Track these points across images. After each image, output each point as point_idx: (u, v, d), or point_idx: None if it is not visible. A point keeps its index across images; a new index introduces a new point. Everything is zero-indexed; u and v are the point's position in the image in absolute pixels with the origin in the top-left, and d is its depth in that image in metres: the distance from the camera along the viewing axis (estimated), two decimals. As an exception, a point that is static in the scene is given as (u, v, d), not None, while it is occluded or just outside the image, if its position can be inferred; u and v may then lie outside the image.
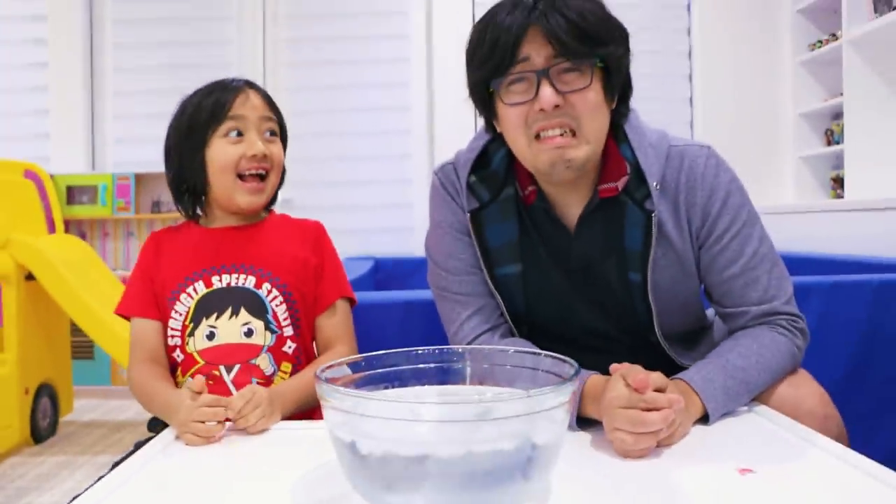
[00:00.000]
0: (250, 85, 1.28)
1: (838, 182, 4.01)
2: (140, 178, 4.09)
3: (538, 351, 0.81)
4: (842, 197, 3.90)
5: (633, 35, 1.13)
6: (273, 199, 1.34)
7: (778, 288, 1.14)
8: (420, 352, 0.85)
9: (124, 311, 1.28)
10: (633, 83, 1.16)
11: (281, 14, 4.19)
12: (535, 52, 1.04)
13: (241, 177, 1.24)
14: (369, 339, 1.58)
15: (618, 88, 1.11)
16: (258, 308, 1.23)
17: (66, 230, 3.96)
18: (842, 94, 3.77)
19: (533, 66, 1.04)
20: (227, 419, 1.02)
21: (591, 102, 1.06)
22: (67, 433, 3.07)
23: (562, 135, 1.05)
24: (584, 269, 1.18)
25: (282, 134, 1.31)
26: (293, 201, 4.08)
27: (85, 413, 3.40)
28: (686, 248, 1.14)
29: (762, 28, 4.19)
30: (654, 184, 1.10)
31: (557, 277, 1.19)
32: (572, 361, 0.74)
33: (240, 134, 1.24)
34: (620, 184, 1.13)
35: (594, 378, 1.03)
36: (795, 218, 3.64)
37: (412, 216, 4.11)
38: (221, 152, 1.24)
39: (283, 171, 1.31)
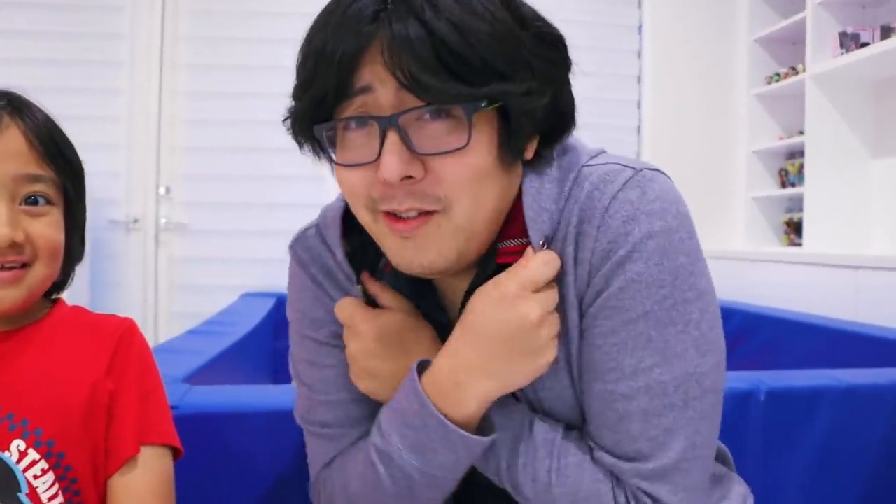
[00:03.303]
0: (14, 110, 0.76)
1: (791, 226, 3.74)
2: None
3: None
4: (795, 242, 3.64)
5: (578, 54, 0.71)
6: (60, 285, 0.85)
7: (654, 446, 0.67)
8: None
9: None
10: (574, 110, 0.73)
11: (182, 9, 3.63)
12: (380, 80, 0.63)
13: None
14: (227, 463, 1.11)
15: (527, 135, 0.69)
16: (4, 483, 0.73)
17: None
18: (799, 133, 3.51)
19: (377, 102, 0.64)
20: None
21: (467, 171, 0.64)
22: None
23: (417, 216, 0.66)
24: None
25: (71, 186, 0.80)
26: (188, 226, 3.54)
27: None
28: (569, 330, 0.71)
29: (717, 56, 3.91)
30: (541, 241, 0.69)
31: None
32: None
33: None
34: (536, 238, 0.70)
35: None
36: (748, 265, 3.35)
37: (326, 246, 3.59)
38: None
39: (76, 249, 0.83)
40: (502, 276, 0.68)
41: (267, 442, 1.12)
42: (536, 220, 0.69)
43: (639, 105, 3.91)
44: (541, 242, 0.68)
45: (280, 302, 2.85)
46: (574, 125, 0.72)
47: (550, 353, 0.68)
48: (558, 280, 0.69)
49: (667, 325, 0.66)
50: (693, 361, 0.67)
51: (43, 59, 3.48)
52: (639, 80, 3.91)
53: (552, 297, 0.68)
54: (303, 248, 0.83)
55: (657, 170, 0.70)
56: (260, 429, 1.12)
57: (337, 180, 0.70)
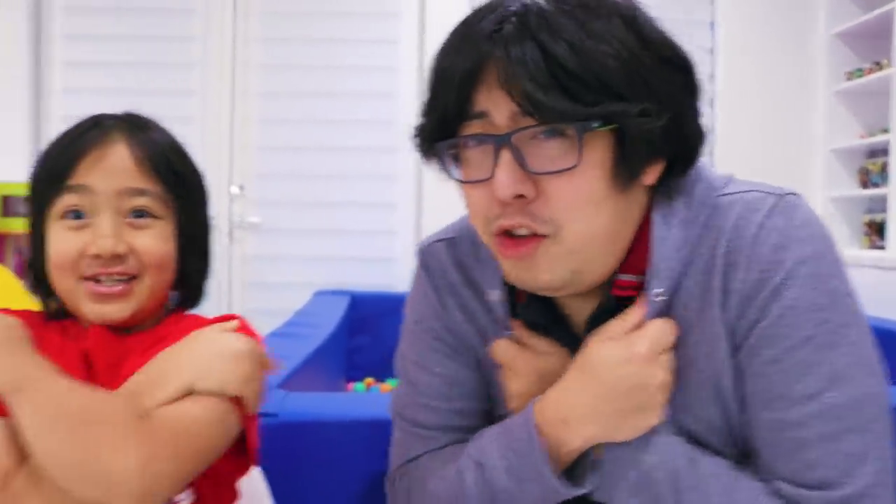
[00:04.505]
0: (127, 128, 0.80)
1: (873, 227, 3.61)
2: (87, 189, 3.59)
3: None
4: (877, 244, 3.50)
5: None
6: (190, 301, 0.87)
7: (841, 472, 0.64)
8: None
9: None
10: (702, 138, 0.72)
11: (253, 10, 3.69)
12: (494, 103, 0.65)
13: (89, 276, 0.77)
14: (326, 470, 1.12)
15: (644, 159, 0.68)
16: None
17: (1, 245, 3.50)
18: (883, 131, 3.38)
19: (493, 123, 0.66)
20: None
21: (577, 193, 0.65)
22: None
23: (527, 236, 0.67)
24: None
25: (182, 201, 0.82)
26: (261, 225, 3.60)
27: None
28: (718, 362, 0.70)
29: (794, 52, 3.78)
30: (658, 290, 0.69)
31: None
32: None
33: (80, 216, 0.77)
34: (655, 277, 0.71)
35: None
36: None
37: (394, 245, 3.60)
38: (57, 241, 0.77)
39: (194, 263, 0.84)
40: (621, 327, 0.70)
41: (366, 450, 1.12)
42: (658, 268, 0.69)
43: (712, 103, 3.81)
44: (657, 291, 0.69)
45: (354, 300, 2.88)
46: (700, 154, 0.72)
47: (658, 415, 0.69)
48: (701, 313, 0.69)
49: (830, 349, 0.65)
50: (862, 383, 0.66)
51: (119, 62, 3.60)
52: (711, 77, 3.81)
53: (672, 362, 0.70)
54: (431, 257, 0.85)
55: (796, 194, 0.69)
56: (360, 437, 1.13)
57: (463, 194, 0.73)
